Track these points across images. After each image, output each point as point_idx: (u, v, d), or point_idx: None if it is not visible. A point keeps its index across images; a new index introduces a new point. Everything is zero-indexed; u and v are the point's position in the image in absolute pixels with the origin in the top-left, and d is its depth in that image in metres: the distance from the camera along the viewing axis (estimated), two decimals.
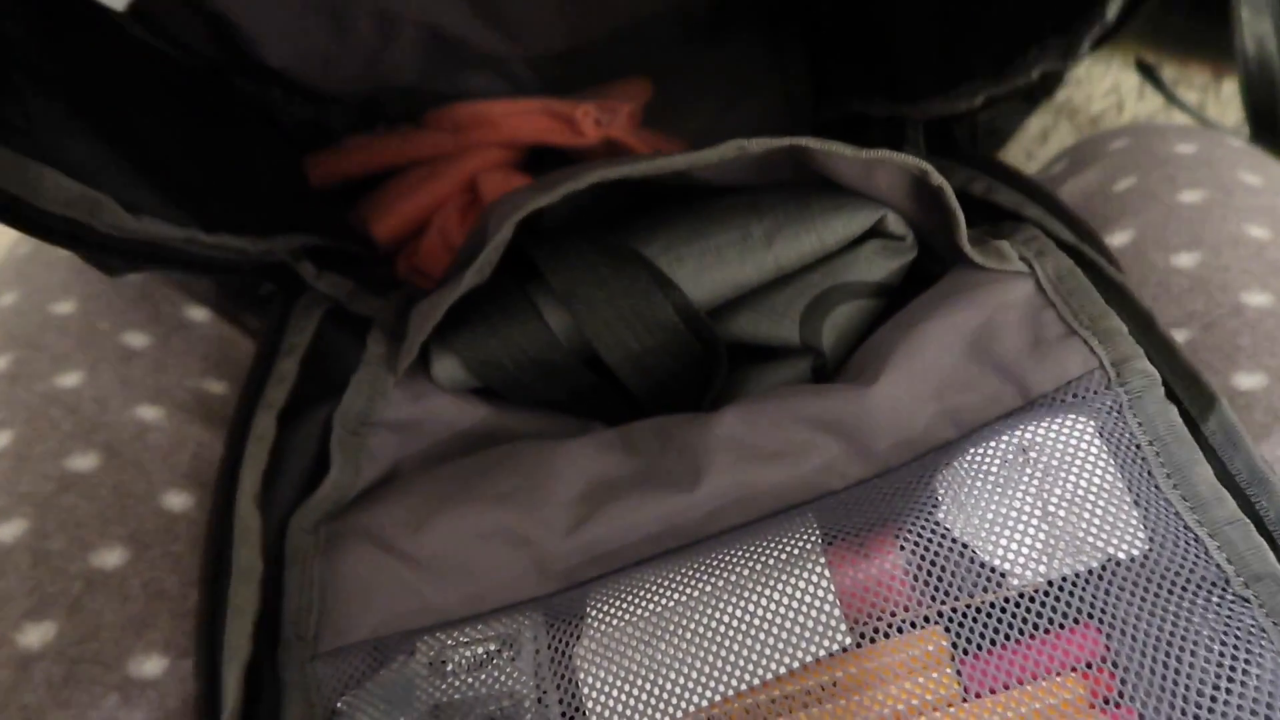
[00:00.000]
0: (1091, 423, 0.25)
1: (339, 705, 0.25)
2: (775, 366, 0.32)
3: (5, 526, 0.28)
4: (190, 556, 0.29)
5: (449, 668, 0.25)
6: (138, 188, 0.26)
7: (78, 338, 0.33)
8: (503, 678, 0.25)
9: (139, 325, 0.34)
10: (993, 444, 0.25)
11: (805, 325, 0.31)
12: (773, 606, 0.24)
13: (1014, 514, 0.24)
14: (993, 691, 0.22)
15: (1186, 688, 0.21)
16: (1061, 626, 0.23)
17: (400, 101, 0.44)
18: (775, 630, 0.23)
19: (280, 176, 0.38)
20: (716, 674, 0.23)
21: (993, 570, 0.23)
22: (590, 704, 0.24)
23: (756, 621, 0.24)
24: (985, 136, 0.41)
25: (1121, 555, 0.23)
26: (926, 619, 0.23)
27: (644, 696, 0.24)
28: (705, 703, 0.23)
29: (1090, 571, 0.23)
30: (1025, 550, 0.23)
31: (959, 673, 0.23)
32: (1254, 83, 0.45)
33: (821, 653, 0.23)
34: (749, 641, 0.23)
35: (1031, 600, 0.23)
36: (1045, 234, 0.31)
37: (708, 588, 0.25)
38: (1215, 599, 0.22)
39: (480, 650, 0.26)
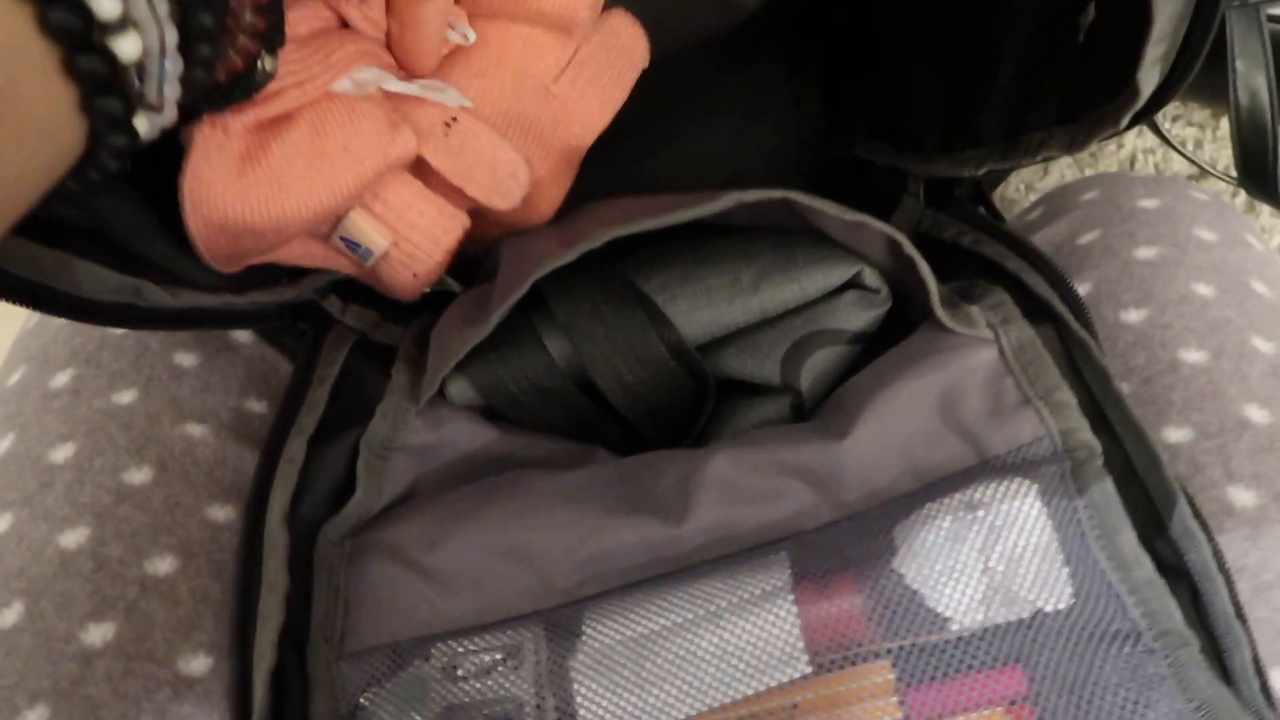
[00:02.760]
0: (1035, 486, 0.28)
1: (361, 701, 0.29)
2: (759, 401, 0.35)
3: (70, 534, 0.31)
4: (232, 564, 0.32)
5: (459, 673, 0.29)
6: (177, 254, 0.29)
7: (132, 356, 0.36)
8: (507, 684, 0.28)
9: (187, 345, 0.37)
10: (945, 499, 0.28)
11: (786, 366, 0.34)
12: (745, 635, 0.27)
13: (959, 566, 0.27)
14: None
15: None
16: (992, 667, 0.26)
17: None
18: (746, 656, 0.27)
19: None
20: (694, 691, 0.27)
21: (937, 615, 0.27)
22: (583, 712, 0.27)
23: (730, 648, 0.27)
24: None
25: (1049, 609, 0.26)
26: (877, 654, 0.27)
27: (629, 708, 0.27)
28: (682, 716, 0.27)
29: (1021, 621, 0.26)
30: (966, 599, 0.27)
31: (901, 702, 0.26)
32: (1245, 131, 0.47)
33: (785, 679, 0.27)
34: (723, 665, 0.27)
35: (968, 643, 0.26)
36: (1021, 288, 0.34)
37: (690, 614, 0.28)
38: (1127, 650, 0.26)
39: (487, 658, 0.29)
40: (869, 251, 0.33)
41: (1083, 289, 0.38)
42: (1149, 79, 0.29)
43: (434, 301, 0.37)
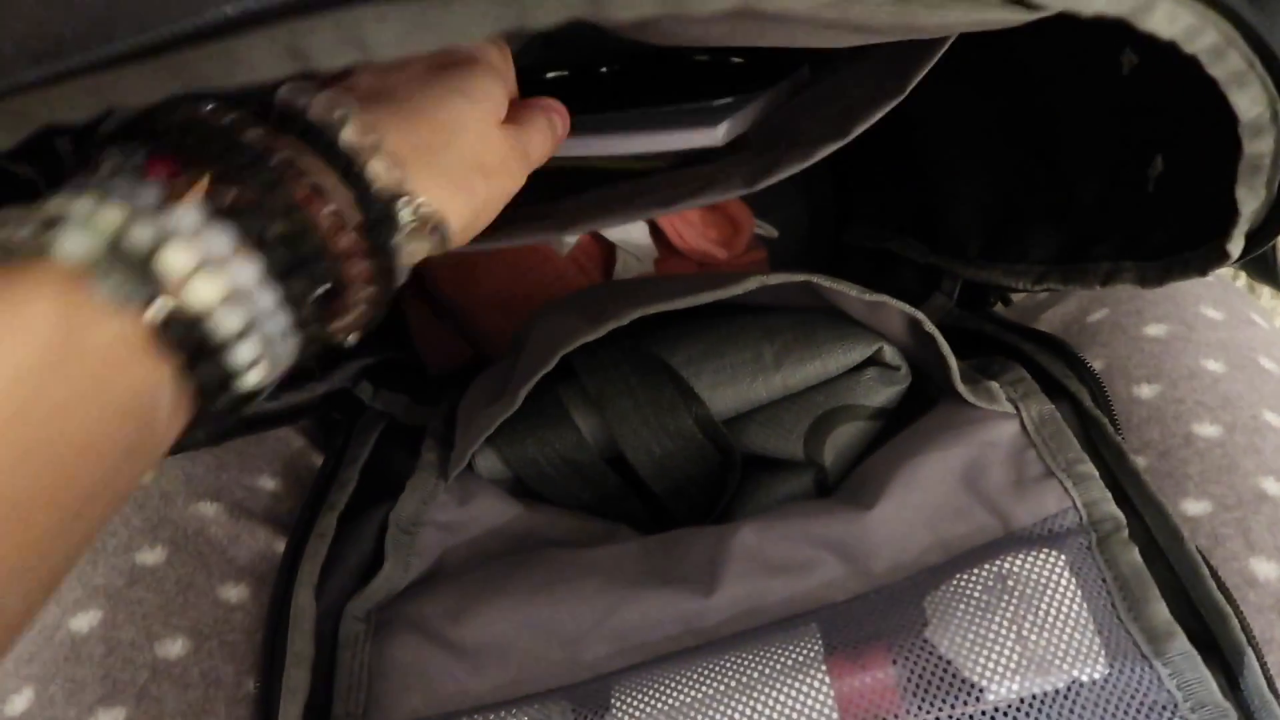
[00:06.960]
0: (1064, 557, 0.28)
1: None
2: (782, 477, 0.35)
3: (81, 617, 0.31)
4: (244, 645, 0.32)
5: None
6: None
7: None
8: None
9: None
10: (976, 571, 0.28)
11: (809, 442, 0.34)
12: (779, 706, 0.27)
13: (992, 636, 0.27)
14: None
15: None
16: None
17: None
18: None
19: None
20: None
21: (972, 685, 0.26)
22: None
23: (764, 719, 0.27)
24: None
25: (1084, 678, 0.26)
26: None
27: None
28: None
29: (1056, 691, 0.26)
30: (1000, 668, 0.26)
31: None
32: None
33: None
34: None
35: (1004, 714, 0.26)
36: (1037, 370, 0.34)
37: (721, 686, 0.28)
38: None
39: None
40: (888, 330, 0.34)
41: (1095, 365, 0.38)
42: (1237, 247, 0.30)
43: (461, 382, 0.37)
